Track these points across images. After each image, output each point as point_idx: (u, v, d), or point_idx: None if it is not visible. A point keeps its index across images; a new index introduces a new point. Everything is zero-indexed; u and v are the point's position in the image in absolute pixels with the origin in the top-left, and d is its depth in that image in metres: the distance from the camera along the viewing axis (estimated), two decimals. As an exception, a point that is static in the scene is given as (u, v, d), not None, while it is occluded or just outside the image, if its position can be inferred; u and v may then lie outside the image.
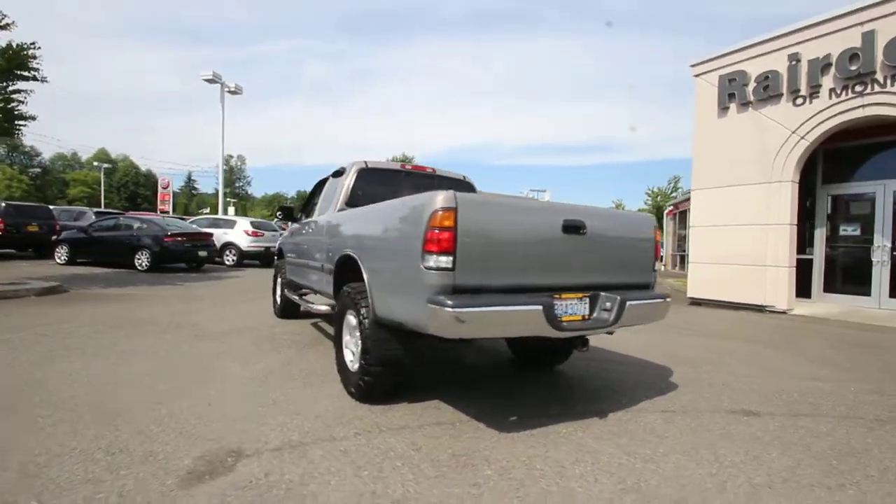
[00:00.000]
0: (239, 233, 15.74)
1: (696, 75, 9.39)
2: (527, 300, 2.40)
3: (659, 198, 31.53)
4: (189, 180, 78.03)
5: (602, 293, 2.76)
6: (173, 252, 12.70)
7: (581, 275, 2.75)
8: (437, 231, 2.26)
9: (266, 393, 3.27)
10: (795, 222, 8.27)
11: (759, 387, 3.85)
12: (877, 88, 6.92)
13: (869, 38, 6.89)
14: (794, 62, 7.79)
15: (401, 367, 2.99)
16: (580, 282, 2.74)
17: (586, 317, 2.71)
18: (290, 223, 5.86)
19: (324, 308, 4.27)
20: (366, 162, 4.29)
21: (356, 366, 3.17)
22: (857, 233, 8.44)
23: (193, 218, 19.69)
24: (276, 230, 17.03)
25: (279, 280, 6.16)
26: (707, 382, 3.92)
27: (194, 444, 2.44)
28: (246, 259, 15.89)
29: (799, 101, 7.83)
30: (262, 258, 16.23)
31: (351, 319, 3.31)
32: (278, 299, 6.22)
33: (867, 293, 8.22)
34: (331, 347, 4.63)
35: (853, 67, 7.09)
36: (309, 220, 4.83)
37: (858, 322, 7.15)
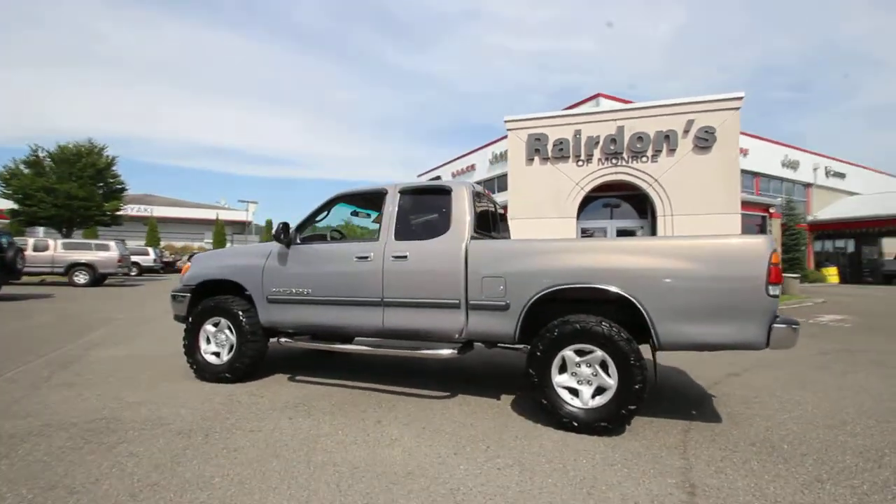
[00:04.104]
0: None
1: (510, 129, 11.92)
2: None
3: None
4: None
5: None
6: None
7: None
8: (774, 266, 2.80)
9: (535, 464, 2.70)
10: (573, 246, 11.78)
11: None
12: (623, 163, 10.96)
13: (621, 130, 10.85)
14: (577, 136, 11.23)
15: None
16: None
17: None
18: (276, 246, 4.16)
19: (446, 352, 3.56)
20: (473, 185, 3.88)
21: (596, 402, 3.09)
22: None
23: None
24: None
25: (226, 330, 4.24)
26: (706, 357, 5.49)
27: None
28: None
29: (580, 162, 11.32)
30: None
31: (572, 356, 3.15)
32: (215, 358, 4.25)
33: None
34: (395, 397, 3.81)
35: (612, 147, 10.95)
36: (395, 246, 3.72)
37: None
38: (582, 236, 12.80)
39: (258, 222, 52.32)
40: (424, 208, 3.86)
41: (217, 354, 4.28)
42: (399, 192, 3.95)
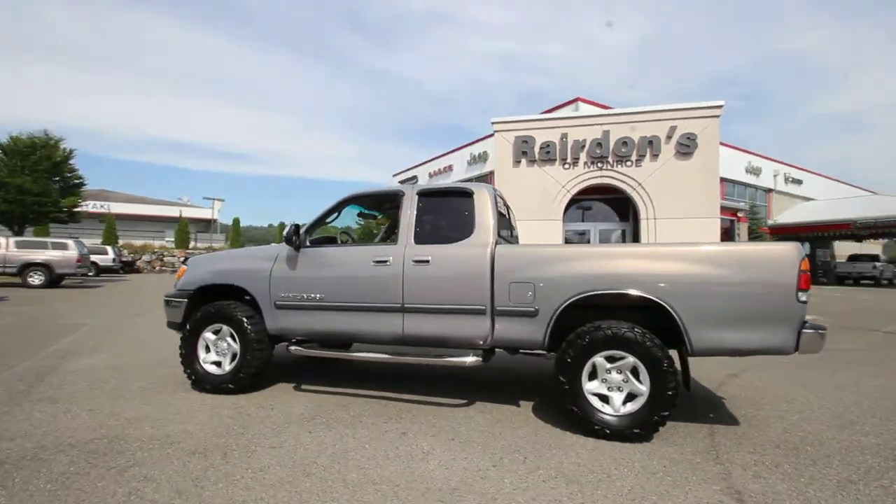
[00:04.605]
0: None
1: (497, 131, 11.93)
2: None
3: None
4: None
5: None
6: None
7: None
8: (804, 273, 2.85)
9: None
10: (558, 248, 11.92)
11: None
12: (608, 167, 11.16)
13: (606, 134, 11.04)
14: (564, 139, 11.36)
15: None
16: None
17: None
18: (286, 248, 3.95)
19: (470, 360, 3.47)
20: (495, 188, 3.81)
21: (628, 408, 3.07)
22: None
23: None
24: None
25: (228, 338, 4.00)
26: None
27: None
28: None
29: (566, 165, 11.45)
30: None
31: (603, 363, 3.12)
32: (216, 368, 4.01)
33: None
34: (412, 406, 3.69)
35: (598, 151, 11.13)
36: (416, 249, 3.59)
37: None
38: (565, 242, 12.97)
39: (224, 220, 50.52)
40: (444, 211, 3.75)
41: (218, 364, 4.04)
42: (417, 194, 3.83)
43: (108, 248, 26.59)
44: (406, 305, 3.55)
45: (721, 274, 2.97)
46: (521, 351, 3.67)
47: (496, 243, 3.51)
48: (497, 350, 3.72)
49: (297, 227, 3.82)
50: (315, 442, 2.97)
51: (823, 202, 29.36)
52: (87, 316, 8.93)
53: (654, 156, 10.76)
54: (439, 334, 3.52)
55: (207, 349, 4.08)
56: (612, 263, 3.18)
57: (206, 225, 47.78)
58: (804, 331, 2.86)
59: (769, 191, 29.22)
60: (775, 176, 29.23)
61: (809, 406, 3.92)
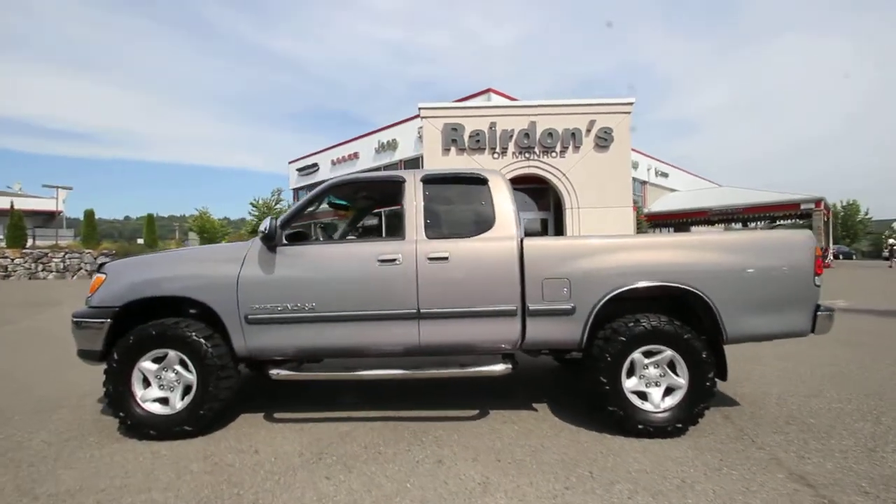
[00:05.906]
0: None
1: (424, 117, 11.47)
2: None
3: (266, 209, 31.78)
4: None
5: None
6: None
7: None
8: (818, 258, 3.01)
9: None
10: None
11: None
12: (535, 157, 11.44)
13: (533, 125, 11.27)
14: (493, 128, 11.35)
15: None
16: None
17: None
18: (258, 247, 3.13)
19: (500, 368, 3.11)
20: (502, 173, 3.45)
21: (667, 403, 3.00)
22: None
23: None
24: None
25: (177, 366, 3.09)
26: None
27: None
28: None
29: (496, 155, 11.48)
30: None
31: (640, 358, 3.01)
32: (162, 407, 3.08)
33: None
34: (424, 425, 3.26)
35: (525, 142, 11.33)
36: (430, 245, 3.09)
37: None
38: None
39: (73, 213, 42.35)
40: (455, 201, 3.31)
41: (164, 401, 3.11)
42: (422, 181, 3.31)
43: None
44: (422, 311, 3.05)
45: (749, 262, 3.03)
46: (542, 352, 3.42)
47: (531, 236, 3.19)
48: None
49: (275, 220, 3.06)
50: (343, 491, 2.38)
51: (684, 193, 34.31)
52: None
53: (577, 147, 11.33)
54: (462, 341, 3.10)
55: (146, 383, 3.12)
56: (651, 255, 3.07)
57: (49, 218, 39.94)
58: (819, 313, 3.04)
59: (644, 183, 33.20)
60: (648, 170, 33.29)
61: (774, 379, 4.30)
